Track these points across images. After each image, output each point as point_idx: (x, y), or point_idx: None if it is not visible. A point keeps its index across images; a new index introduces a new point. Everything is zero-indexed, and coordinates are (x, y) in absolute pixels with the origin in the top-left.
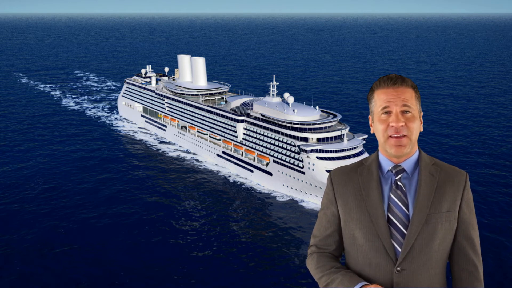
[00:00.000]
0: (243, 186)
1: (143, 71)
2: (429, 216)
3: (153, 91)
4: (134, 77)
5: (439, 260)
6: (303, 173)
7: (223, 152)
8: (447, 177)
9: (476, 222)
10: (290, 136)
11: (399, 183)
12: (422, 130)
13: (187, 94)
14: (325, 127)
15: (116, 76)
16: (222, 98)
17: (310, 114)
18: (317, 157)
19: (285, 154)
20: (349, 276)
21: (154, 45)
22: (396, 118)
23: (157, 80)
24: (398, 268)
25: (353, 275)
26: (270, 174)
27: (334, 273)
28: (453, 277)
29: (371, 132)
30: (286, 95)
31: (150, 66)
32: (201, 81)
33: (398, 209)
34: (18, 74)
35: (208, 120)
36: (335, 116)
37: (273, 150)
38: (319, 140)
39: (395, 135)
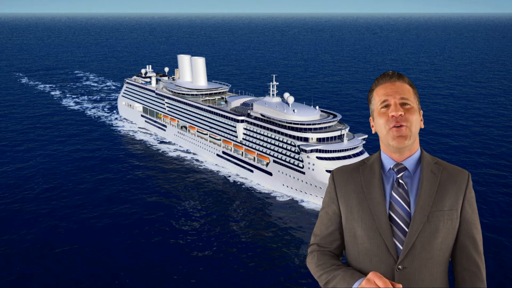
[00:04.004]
0: (243, 186)
1: (143, 71)
2: (431, 214)
3: (153, 91)
4: (134, 77)
5: (441, 258)
6: (303, 173)
7: (223, 152)
8: (449, 176)
9: (478, 221)
10: (290, 136)
11: (400, 181)
12: (422, 127)
13: (187, 94)
14: (325, 127)
15: (116, 76)
16: (222, 98)
17: (310, 114)
18: (317, 157)
19: (285, 154)
20: (350, 272)
21: (154, 45)
22: (395, 107)
23: (157, 80)
24: (400, 266)
25: (354, 271)
26: (270, 174)
27: (335, 270)
28: (456, 277)
29: (373, 132)
30: (286, 95)
31: (150, 66)
32: (201, 81)
33: (400, 207)
34: (18, 74)
35: (208, 120)
36: (335, 116)
37: (273, 150)
38: (319, 140)
39: (396, 125)
